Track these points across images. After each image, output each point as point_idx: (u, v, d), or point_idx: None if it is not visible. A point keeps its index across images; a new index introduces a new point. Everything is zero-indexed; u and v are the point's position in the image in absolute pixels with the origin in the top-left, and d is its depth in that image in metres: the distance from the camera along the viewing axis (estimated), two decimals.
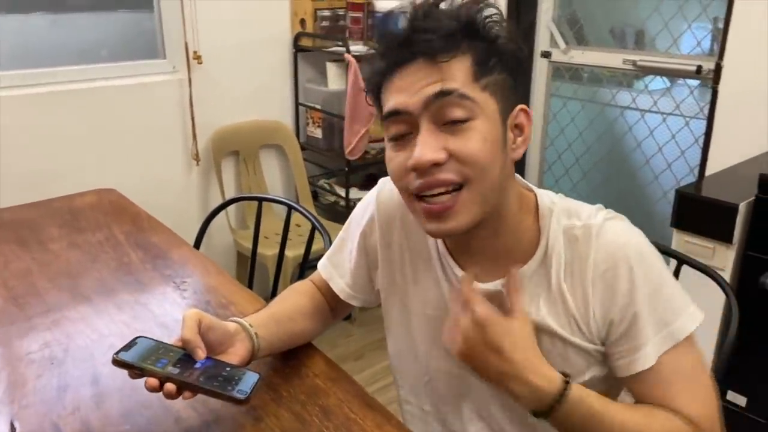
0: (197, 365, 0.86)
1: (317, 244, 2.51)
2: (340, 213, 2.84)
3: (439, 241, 0.95)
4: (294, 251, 2.51)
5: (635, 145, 2.77)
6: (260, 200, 1.60)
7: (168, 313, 1.18)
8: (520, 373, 0.78)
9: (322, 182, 2.96)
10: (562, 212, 0.87)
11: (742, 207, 1.59)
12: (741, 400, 1.70)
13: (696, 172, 2.50)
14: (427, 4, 0.81)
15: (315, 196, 2.99)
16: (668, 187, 2.67)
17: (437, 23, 0.79)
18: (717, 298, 1.67)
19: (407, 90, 0.80)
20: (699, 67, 2.34)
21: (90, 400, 0.94)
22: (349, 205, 2.74)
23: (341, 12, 2.70)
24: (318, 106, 2.78)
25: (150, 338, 0.87)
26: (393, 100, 0.81)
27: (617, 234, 0.84)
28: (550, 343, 0.87)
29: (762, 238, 1.58)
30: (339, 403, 0.94)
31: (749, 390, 1.69)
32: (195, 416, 0.91)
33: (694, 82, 2.50)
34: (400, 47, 0.80)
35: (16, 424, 0.89)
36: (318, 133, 2.82)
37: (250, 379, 0.86)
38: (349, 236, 1.08)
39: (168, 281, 1.30)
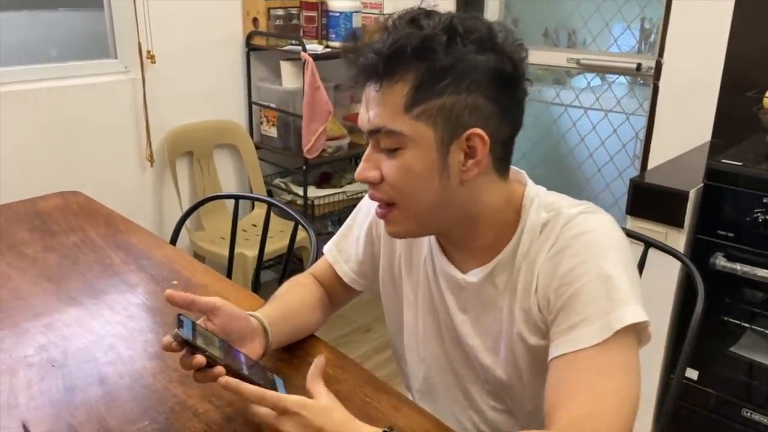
0: (240, 358, 0.87)
1: (282, 241, 2.53)
2: (297, 212, 2.84)
3: (435, 246, 0.99)
4: (253, 251, 2.51)
5: (579, 140, 2.91)
6: (237, 198, 1.61)
7: (163, 310, 1.18)
8: None
9: (277, 181, 2.95)
10: (543, 206, 0.88)
11: (692, 193, 1.71)
12: (693, 374, 1.83)
13: (637, 164, 2.66)
14: (374, 28, 0.83)
15: (270, 195, 2.98)
16: (610, 179, 2.82)
17: (362, 59, 0.81)
18: (670, 279, 1.80)
19: (361, 110, 0.85)
20: (639, 65, 2.48)
21: (101, 400, 0.94)
22: (307, 204, 2.75)
23: (294, 11, 2.71)
24: (272, 105, 2.77)
25: (186, 317, 0.86)
26: (360, 110, 0.86)
27: (585, 224, 0.84)
28: (524, 348, 0.89)
29: (710, 222, 1.71)
30: (352, 389, 0.97)
31: (700, 364, 1.82)
32: (213, 409, 0.92)
33: (623, 79, 2.66)
34: (356, 73, 0.83)
35: (29, 426, 0.88)
36: (273, 132, 2.81)
37: (279, 385, 0.89)
38: (356, 224, 1.12)
39: (156, 281, 1.29)
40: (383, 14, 2.85)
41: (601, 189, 2.85)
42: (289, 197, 2.89)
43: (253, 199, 1.77)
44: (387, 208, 0.88)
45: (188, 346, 0.82)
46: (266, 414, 0.80)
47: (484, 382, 0.98)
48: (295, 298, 1.08)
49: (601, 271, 0.80)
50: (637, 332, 0.80)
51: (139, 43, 2.38)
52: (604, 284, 0.79)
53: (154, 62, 2.43)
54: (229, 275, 1.67)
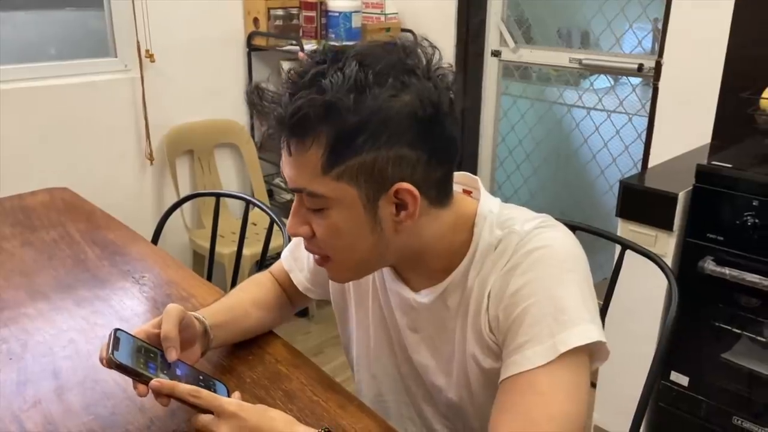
0: (178, 372, 0.86)
1: (276, 240, 2.53)
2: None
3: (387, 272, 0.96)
4: (251, 249, 2.51)
5: (582, 141, 2.87)
6: (218, 196, 1.61)
7: (128, 307, 1.18)
8: None
9: (277, 181, 2.96)
10: (497, 223, 0.84)
11: (682, 196, 1.67)
12: (683, 380, 1.79)
13: (639, 166, 2.61)
14: (274, 91, 0.76)
15: (270, 194, 2.99)
16: (613, 181, 2.78)
17: (268, 125, 0.76)
18: (660, 283, 1.76)
19: (282, 164, 0.80)
20: (640, 65, 2.44)
21: (51, 394, 0.94)
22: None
23: (294, 11, 2.72)
24: None
25: (125, 331, 0.86)
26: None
27: (538, 240, 0.80)
28: (477, 371, 0.87)
29: (700, 225, 1.67)
30: (302, 387, 0.96)
31: (691, 370, 1.78)
32: (158, 405, 0.91)
33: (636, 80, 2.61)
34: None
35: None
36: None
37: (221, 391, 0.88)
38: None
39: (127, 276, 1.30)
40: (384, 14, 2.84)
41: (605, 191, 2.81)
42: (289, 196, 2.90)
43: (231, 197, 1.78)
44: (323, 258, 0.85)
45: (120, 370, 0.81)
46: (203, 419, 0.79)
47: (436, 401, 0.96)
48: (246, 297, 1.07)
49: (551, 291, 0.77)
50: (589, 352, 0.77)
51: (138, 42, 2.41)
52: (552, 304, 0.76)
53: (154, 61, 2.45)
54: (209, 273, 1.68)
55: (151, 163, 2.58)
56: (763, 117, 1.74)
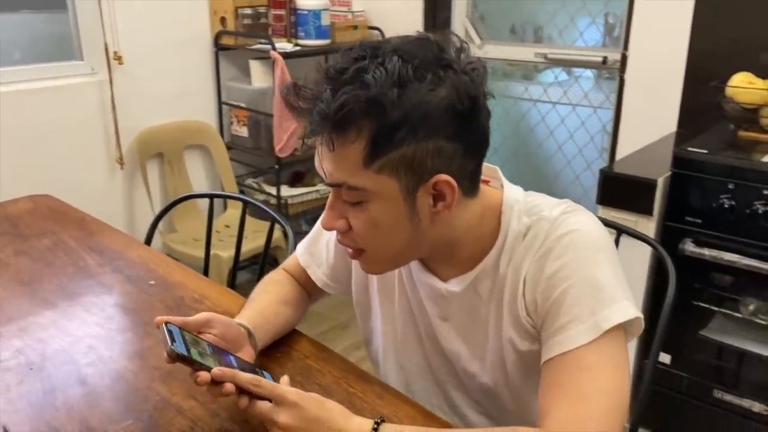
0: (231, 361, 0.87)
1: (255, 241, 2.52)
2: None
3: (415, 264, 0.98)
4: (228, 252, 2.49)
5: (548, 133, 2.95)
6: (212, 197, 1.59)
7: (141, 311, 1.17)
8: (337, 429, 0.78)
9: (249, 181, 2.94)
10: (524, 211, 0.87)
11: (660, 182, 1.75)
12: (666, 358, 1.87)
13: (605, 156, 2.71)
14: (319, 83, 0.77)
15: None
16: (579, 170, 2.87)
17: (311, 120, 0.77)
18: (641, 266, 1.84)
19: (318, 161, 0.81)
20: (605, 58, 2.52)
21: (82, 400, 0.93)
22: (281, 203, 2.74)
23: (262, 10, 2.70)
24: (242, 105, 2.76)
25: (172, 324, 0.85)
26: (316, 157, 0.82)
27: (567, 225, 0.83)
28: (514, 355, 0.90)
29: (678, 209, 1.75)
30: (336, 380, 0.98)
31: (672, 348, 1.86)
32: (197, 405, 0.91)
33: (590, 72, 2.71)
34: (308, 123, 0.79)
35: (10, 429, 0.87)
36: (244, 131, 2.80)
37: (270, 380, 0.88)
38: (329, 234, 1.09)
39: (132, 281, 1.28)
40: (351, 12, 2.86)
41: (571, 180, 2.90)
42: (262, 197, 2.88)
43: (227, 197, 1.76)
44: (358, 251, 0.86)
45: (183, 361, 0.80)
46: (262, 406, 0.80)
47: (468, 387, 0.99)
48: (272, 298, 1.07)
49: (587, 271, 0.80)
50: (625, 328, 0.80)
51: (106, 45, 2.35)
52: (590, 284, 0.79)
53: (122, 63, 2.40)
54: (205, 275, 1.66)
55: (122, 168, 2.53)
56: (730, 104, 1.84)
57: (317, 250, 1.11)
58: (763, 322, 1.75)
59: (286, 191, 2.82)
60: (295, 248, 1.16)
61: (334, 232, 1.06)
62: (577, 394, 0.76)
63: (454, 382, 1.00)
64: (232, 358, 0.89)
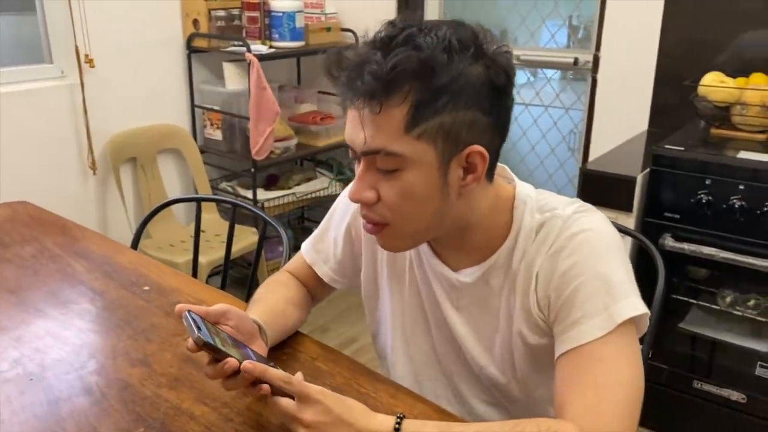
0: (250, 354, 0.86)
1: (237, 245, 2.49)
2: (246, 216, 2.80)
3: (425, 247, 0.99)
4: (206, 257, 2.46)
5: (521, 134, 2.99)
6: (199, 201, 1.57)
7: (140, 317, 1.14)
8: (360, 426, 0.78)
9: (224, 185, 2.90)
10: (537, 207, 0.89)
11: (639, 179, 1.79)
12: (646, 351, 1.92)
13: (577, 155, 2.76)
14: (365, 50, 0.79)
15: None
16: (552, 170, 2.92)
17: (359, 82, 0.77)
18: None
19: (351, 130, 0.82)
20: (576, 59, 2.57)
21: (90, 410, 0.90)
22: (257, 207, 2.71)
23: (236, 12, 2.67)
24: (216, 108, 2.73)
25: (194, 313, 0.84)
26: (347, 128, 0.83)
27: (580, 224, 0.85)
28: (523, 348, 0.92)
29: (656, 205, 1.80)
30: (347, 381, 0.97)
31: (653, 341, 1.90)
32: (209, 411, 0.90)
33: (554, 73, 2.76)
34: (344, 88, 0.80)
35: None
36: (217, 134, 2.76)
37: None
38: (332, 225, 1.11)
39: (126, 287, 1.25)
40: (324, 14, 2.85)
41: (544, 180, 2.95)
42: (237, 201, 2.84)
43: (215, 201, 1.74)
44: (379, 226, 0.86)
45: (209, 349, 0.80)
46: (287, 404, 0.79)
47: (476, 377, 1.00)
48: (279, 298, 1.07)
49: (599, 268, 0.82)
50: (635, 323, 0.83)
51: (76, 47, 2.30)
52: (602, 280, 0.82)
53: (93, 66, 2.35)
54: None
55: (94, 173, 2.47)
56: (703, 103, 1.90)
57: (324, 246, 1.12)
58: (740, 314, 1.81)
59: (261, 194, 2.80)
60: (289, 250, 1.16)
61: (343, 230, 1.08)
62: (593, 385, 0.78)
63: (461, 372, 1.01)
64: (250, 351, 0.88)
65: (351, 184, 0.86)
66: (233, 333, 0.90)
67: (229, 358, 0.80)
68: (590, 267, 0.83)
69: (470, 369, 1.00)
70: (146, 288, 1.25)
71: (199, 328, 0.80)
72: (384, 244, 0.91)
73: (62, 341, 1.07)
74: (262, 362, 0.86)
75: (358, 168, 0.85)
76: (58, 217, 1.58)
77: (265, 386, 0.81)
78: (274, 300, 1.06)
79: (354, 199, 0.85)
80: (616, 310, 0.80)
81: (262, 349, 0.94)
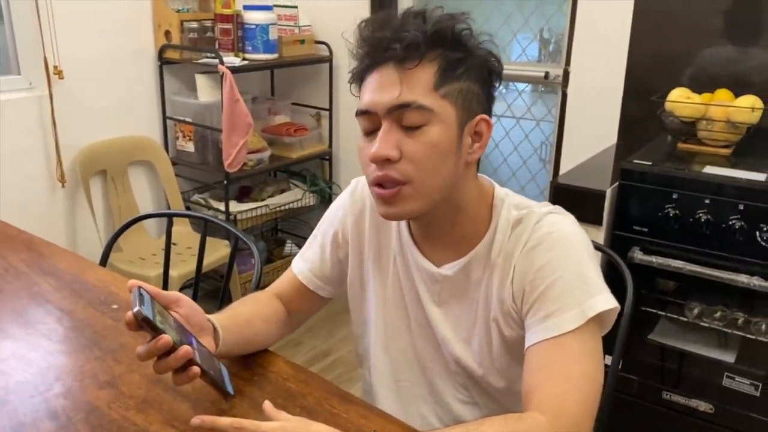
0: (193, 343, 0.87)
1: (209, 257, 2.46)
2: (216, 228, 2.78)
3: (404, 231, 1.03)
4: (177, 270, 2.43)
5: (493, 146, 3.02)
6: (170, 216, 1.56)
7: (109, 336, 1.13)
8: None
9: (196, 197, 2.88)
10: (513, 205, 0.97)
11: (608, 192, 1.82)
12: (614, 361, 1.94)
13: (548, 167, 2.79)
14: (403, 14, 0.89)
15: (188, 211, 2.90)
16: (524, 182, 2.95)
17: (405, 33, 0.86)
18: None
19: (377, 90, 0.89)
20: (546, 73, 2.61)
21: None
22: (229, 219, 2.70)
23: (208, 23, 2.66)
24: (188, 119, 2.71)
25: (145, 290, 0.85)
26: (366, 98, 0.90)
27: (553, 224, 0.93)
28: (498, 338, 0.97)
29: (625, 218, 1.82)
30: (318, 402, 0.97)
31: (623, 352, 1.93)
32: None
33: (528, 88, 2.80)
34: (376, 50, 0.88)
35: None
36: (189, 146, 2.74)
37: (225, 374, 0.92)
38: (321, 231, 1.14)
39: (95, 306, 1.23)
40: (298, 26, 2.85)
41: (516, 191, 2.97)
42: (209, 213, 2.82)
43: (187, 216, 1.72)
44: (396, 188, 0.89)
45: (147, 326, 0.80)
46: None
47: (453, 373, 1.03)
48: (246, 309, 1.07)
49: (573, 265, 0.89)
50: (603, 319, 0.89)
51: (45, 58, 2.26)
52: (577, 276, 0.88)
53: (62, 78, 2.31)
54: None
55: (63, 186, 2.43)
56: (670, 118, 1.93)
57: (311, 254, 1.14)
58: (707, 325, 1.84)
59: (234, 206, 2.78)
60: (260, 265, 1.17)
61: (330, 236, 1.11)
62: (562, 376, 0.84)
63: (439, 369, 1.04)
64: (194, 340, 0.89)
65: (374, 144, 0.88)
66: (182, 321, 0.90)
67: (162, 335, 0.80)
68: (565, 263, 0.89)
69: (448, 366, 1.03)
70: (115, 306, 1.23)
71: (142, 304, 0.80)
72: (397, 210, 0.92)
73: (27, 363, 1.05)
74: (207, 355, 0.89)
75: (381, 130, 0.88)
76: (23, 232, 1.55)
77: (196, 368, 0.83)
78: (240, 310, 1.06)
79: (380, 155, 0.87)
80: (589, 305, 0.86)
81: (209, 345, 0.94)
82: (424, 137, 0.88)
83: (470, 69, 0.89)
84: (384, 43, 0.87)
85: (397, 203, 0.91)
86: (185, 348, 0.82)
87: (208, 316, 0.98)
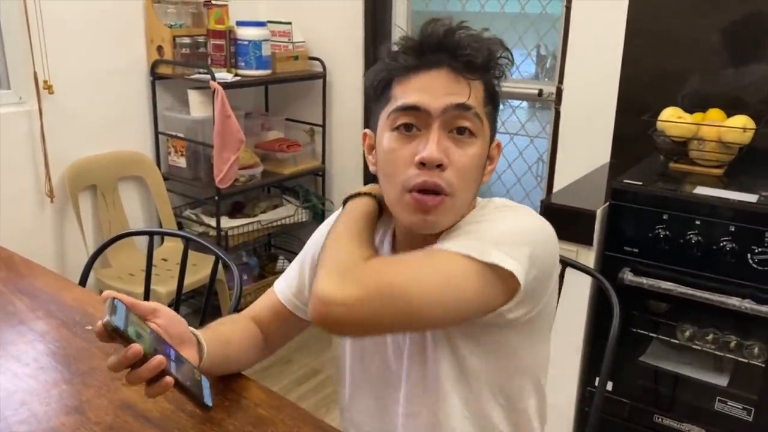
0: (170, 354, 0.85)
1: (197, 274, 2.44)
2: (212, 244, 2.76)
3: (386, 248, 1.02)
4: (166, 287, 2.41)
5: None
6: (151, 234, 1.53)
7: (80, 359, 1.10)
8: None
9: (188, 213, 2.86)
10: (484, 203, 0.98)
11: (599, 213, 1.80)
12: (608, 385, 1.91)
13: (542, 184, 2.78)
14: (468, 27, 0.90)
15: (180, 227, 2.87)
16: (518, 199, 2.93)
17: (478, 45, 0.88)
18: (581, 294, 1.88)
19: (431, 92, 0.87)
20: (540, 91, 2.60)
21: None
22: (221, 235, 2.68)
23: (201, 39, 2.65)
24: (180, 135, 2.70)
25: (120, 301, 0.83)
26: (413, 96, 0.88)
27: (510, 204, 0.96)
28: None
29: (616, 239, 1.80)
30: (289, 429, 0.94)
31: (614, 375, 1.90)
32: None
33: (524, 104, 2.79)
34: (436, 50, 0.88)
35: None
36: (182, 162, 2.73)
37: (206, 386, 0.90)
38: (303, 251, 1.12)
39: (69, 327, 1.21)
40: (292, 42, 2.85)
41: None
42: (201, 229, 2.80)
43: (167, 234, 1.70)
44: (440, 197, 0.88)
45: (119, 336, 0.78)
46: None
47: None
48: (226, 329, 1.05)
49: (502, 225, 0.89)
50: (497, 279, 0.84)
51: (35, 73, 2.26)
52: (496, 231, 0.87)
53: (52, 92, 2.31)
54: None
55: (52, 201, 2.41)
56: (661, 137, 1.92)
57: (291, 275, 1.12)
58: (699, 348, 1.81)
59: (226, 222, 2.76)
60: (240, 283, 1.16)
61: (311, 255, 1.09)
62: (413, 258, 0.85)
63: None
64: (172, 351, 0.86)
65: (427, 145, 0.87)
66: (160, 332, 0.88)
67: (133, 344, 0.78)
68: (496, 221, 0.89)
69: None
70: (89, 327, 1.20)
71: (114, 314, 0.78)
72: (435, 220, 0.90)
73: None
74: (186, 366, 0.86)
75: (426, 132, 0.88)
76: (4, 249, 1.54)
77: (169, 378, 0.81)
78: (221, 329, 1.04)
79: (436, 158, 0.86)
80: (486, 250, 0.83)
81: (191, 357, 0.91)
82: (471, 149, 0.89)
83: (495, 95, 0.93)
84: (458, 49, 0.87)
85: (438, 213, 0.89)
86: (158, 358, 0.80)
87: (191, 329, 0.96)
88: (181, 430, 0.92)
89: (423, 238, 0.93)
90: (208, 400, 0.89)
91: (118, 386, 1.03)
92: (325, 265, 0.83)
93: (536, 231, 0.91)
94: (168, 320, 0.90)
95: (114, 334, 0.78)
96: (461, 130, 0.88)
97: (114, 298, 0.82)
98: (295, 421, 0.96)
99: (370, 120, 0.99)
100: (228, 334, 1.04)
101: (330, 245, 0.88)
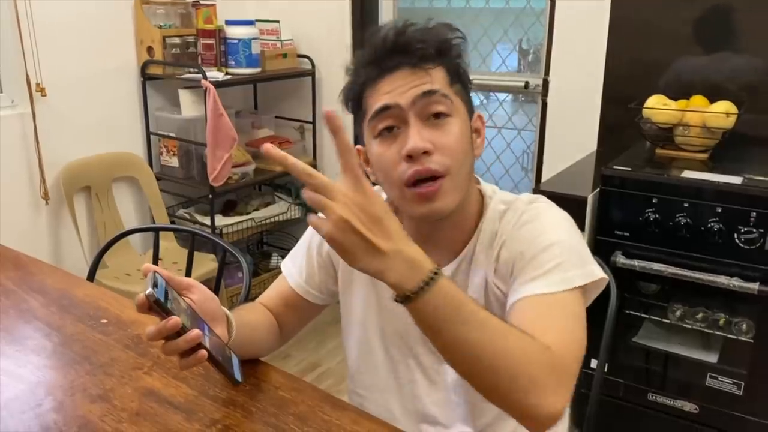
0: (205, 329, 0.88)
1: (195, 272, 2.46)
2: (203, 242, 2.78)
3: None
4: None
5: None
6: (156, 230, 1.56)
7: (99, 351, 1.13)
8: (399, 246, 0.75)
9: (181, 212, 2.88)
10: (500, 201, 1.02)
11: (590, 198, 1.85)
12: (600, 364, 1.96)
13: (530, 175, 2.83)
14: (414, 24, 0.95)
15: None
16: (507, 190, 2.97)
17: (427, 37, 0.93)
18: None
19: (395, 91, 0.93)
20: (527, 83, 2.65)
21: None
22: (215, 233, 2.69)
23: (191, 39, 2.67)
24: (172, 135, 2.71)
25: (160, 275, 0.86)
26: (383, 99, 0.93)
27: (539, 206, 0.99)
28: (499, 308, 0.99)
29: (607, 223, 1.86)
30: (310, 409, 0.98)
31: (608, 356, 1.95)
32: None
33: (505, 96, 2.84)
34: (391, 55, 0.93)
35: None
36: (174, 161, 2.75)
37: (235, 362, 0.94)
38: (306, 238, 1.16)
39: (83, 321, 1.23)
40: (280, 40, 2.87)
41: None
42: (194, 227, 2.82)
43: (173, 230, 1.73)
44: (437, 182, 0.91)
45: (159, 308, 0.81)
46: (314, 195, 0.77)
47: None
48: (250, 314, 1.09)
49: (564, 236, 0.94)
50: (585, 291, 0.92)
51: (27, 76, 2.26)
52: (565, 247, 0.92)
53: (45, 95, 2.31)
54: None
55: (47, 203, 2.42)
56: (648, 124, 1.98)
57: (299, 261, 1.16)
58: (689, 327, 1.87)
59: (219, 220, 2.78)
60: (249, 279, 1.19)
61: (318, 243, 1.13)
62: (555, 327, 0.86)
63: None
64: (206, 327, 0.89)
65: (408, 140, 0.91)
66: (195, 307, 0.91)
67: (172, 316, 0.81)
68: (554, 235, 0.93)
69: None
70: (104, 321, 1.23)
71: (156, 287, 0.81)
72: (440, 205, 0.93)
73: (17, 379, 1.05)
74: (217, 342, 0.90)
75: (405, 127, 0.92)
76: (10, 250, 1.55)
77: (203, 351, 0.84)
78: (245, 313, 1.07)
79: (419, 147, 0.90)
80: (577, 273, 0.90)
81: (222, 335, 0.94)
82: (451, 128, 0.93)
83: (463, 74, 0.98)
84: (408, 46, 0.92)
85: (440, 197, 0.93)
86: (195, 331, 0.84)
87: (223, 308, 0.98)
88: (206, 414, 0.95)
89: (431, 225, 0.99)
90: (239, 375, 0.93)
91: (140, 375, 1.05)
92: (519, 378, 0.77)
93: (571, 222, 0.99)
94: (202, 296, 0.93)
95: (155, 306, 0.81)
96: (437, 115, 0.93)
97: (155, 272, 0.85)
98: (316, 401, 1.00)
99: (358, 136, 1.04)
100: (253, 318, 1.07)
101: (489, 347, 0.77)
